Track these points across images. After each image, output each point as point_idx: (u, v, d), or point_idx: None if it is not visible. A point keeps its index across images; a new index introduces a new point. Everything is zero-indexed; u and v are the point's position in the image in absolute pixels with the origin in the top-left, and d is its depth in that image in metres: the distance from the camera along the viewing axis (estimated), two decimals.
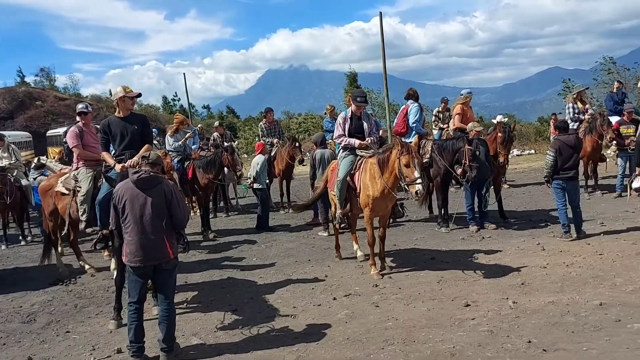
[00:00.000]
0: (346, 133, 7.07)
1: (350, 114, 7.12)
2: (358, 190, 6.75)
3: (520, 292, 5.69)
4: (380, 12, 32.98)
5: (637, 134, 9.77)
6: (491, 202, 9.79)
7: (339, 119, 7.18)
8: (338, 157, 7.29)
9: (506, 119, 14.29)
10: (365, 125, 7.10)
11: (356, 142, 6.93)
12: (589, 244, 7.55)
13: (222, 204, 13.16)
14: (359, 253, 7.68)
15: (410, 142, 6.52)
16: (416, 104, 9.71)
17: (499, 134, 9.36)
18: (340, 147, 7.26)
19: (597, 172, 12.10)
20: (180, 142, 10.34)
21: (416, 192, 5.96)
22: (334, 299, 5.96)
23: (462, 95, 10.41)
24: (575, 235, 7.90)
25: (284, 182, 12.50)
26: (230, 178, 12.45)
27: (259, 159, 10.64)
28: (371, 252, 6.88)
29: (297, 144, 12.04)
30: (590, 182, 11.91)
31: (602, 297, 5.26)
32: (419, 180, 5.97)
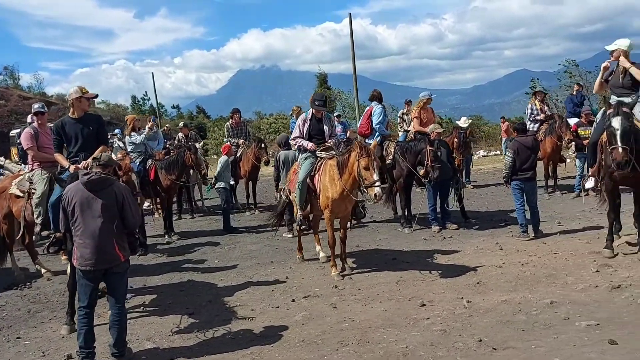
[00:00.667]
0: (304, 135, 7.07)
1: (310, 116, 7.13)
2: (318, 192, 6.76)
3: (475, 291, 5.78)
4: (350, 14, 33.26)
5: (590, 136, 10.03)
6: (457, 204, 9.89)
7: (299, 121, 7.18)
8: (299, 159, 7.29)
9: (470, 122, 14.47)
10: (325, 128, 7.11)
11: (309, 144, 6.94)
12: (545, 243, 7.72)
13: (187, 205, 13.03)
14: (321, 254, 7.69)
15: (370, 144, 6.57)
16: (380, 106, 9.78)
17: (455, 139, 9.50)
18: (295, 148, 7.27)
19: (556, 173, 12.38)
20: (142, 136, 10.14)
21: (375, 194, 6.00)
22: (293, 300, 5.95)
23: (420, 98, 10.52)
24: (533, 235, 8.07)
25: (250, 183, 12.44)
26: (196, 179, 12.34)
27: (222, 159, 10.58)
28: (332, 253, 6.90)
29: (262, 145, 12.01)
30: (550, 183, 12.19)
31: (553, 296, 5.38)
32: (377, 183, 6.00)
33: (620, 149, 5.51)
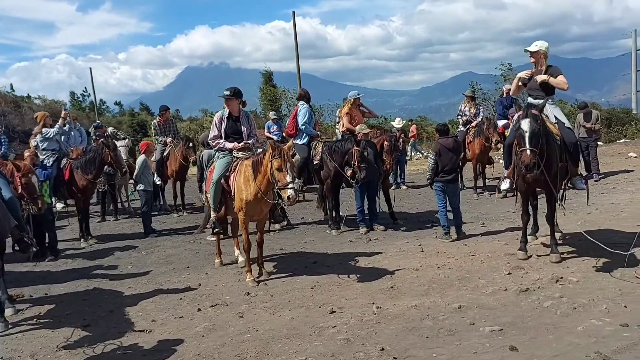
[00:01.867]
0: (222, 135, 6.76)
1: (227, 114, 6.81)
2: (233, 194, 6.47)
3: (388, 296, 5.65)
4: (294, 12, 33.09)
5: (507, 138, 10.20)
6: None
7: (215, 119, 6.84)
8: (214, 158, 6.96)
9: (404, 122, 14.53)
10: (243, 127, 6.82)
11: (230, 145, 6.64)
12: (465, 244, 7.72)
13: (112, 206, 12.44)
14: (240, 259, 7.40)
15: (285, 145, 6.33)
16: (306, 105, 9.59)
17: (385, 142, 9.41)
18: (215, 149, 6.93)
19: (485, 174, 12.56)
20: (55, 129, 9.53)
21: (288, 197, 5.76)
22: (199, 310, 5.64)
23: (349, 96, 10.38)
24: (455, 237, 8.07)
25: (178, 183, 12.00)
26: (120, 179, 11.79)
27: (140, 159, 10.10)
28: (247, 258, 6.62)
29: (190, 144, 11.59)
30: (479, 184, 12.35)
31: (462, 300, 5.31)
32: (291, 185, 5.77)
33: (528, 152, 5.50)
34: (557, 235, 7.46)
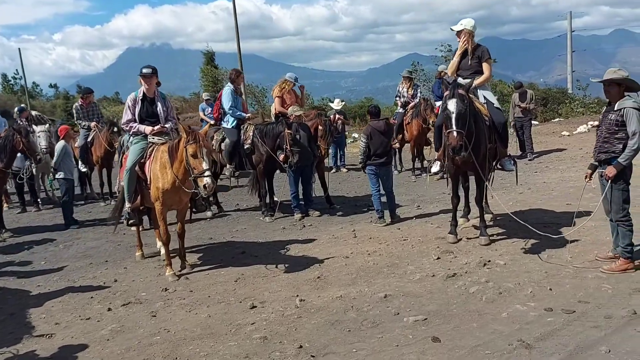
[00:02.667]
0: (136, 118, 6.26)
1: (141, 95, 6.29)
2: (149, 182, 6.01)
3: (314, 287, 5.40)
4: None
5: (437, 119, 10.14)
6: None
7: (128, 102, 6.31)
8: (128, 143, 6.46)
9: (343, 104, 14.25)
10: (159, 108, 6.33)
11: (147, 128, 6.15)
12: (399, 229, 7.58)
13: (32, 197, 11.62)
14: (162, 251, 6.96)
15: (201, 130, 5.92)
16: (229, 87, 9.12)
17: (320, 127, 9.11)
18: (130, 134, 6.42)
19: (423, 155, 12.50)
20: None
21: (205, 185, 5.38)
22: (109, 309, 5.21)
23: (286, 78, 10.00)
24: (389, 220, 7.91)
25: (104, 170, 11.31)
26: (43, 167, 11.02)
27: (59, 145, 9.41)
28: (166, 251, 6.20)
29: (115, 129, 10.90)
30: (417, 165, 12.28)
31: (388, 288, 5.12)
32: (207, 173, 5.38)
33: (455, 133, 5.32)
34: (488, 217, 7.44)
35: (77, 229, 9.12)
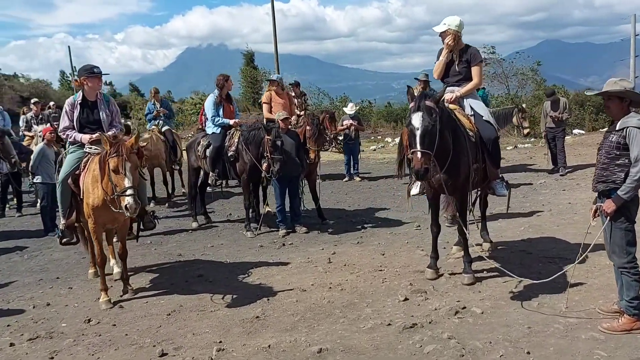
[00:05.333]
0: (75, 125, 5.61)
1: (80, 98, 5.62)
2: (82, 196, 5.34)
3: (246, 330, 4.57)
4: None
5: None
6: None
7: (66, 106, 5.63)
8: (64, 153, 5.82)
9: (357, 108, 13.34)
10: (102, 114, 5.66)
11: (84, 137, 5.47)
12: (383, 254, 6.66)
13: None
14: (116, 269, 6.32)
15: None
16: (213, 94, 8.45)
17: (307, 127, 8.27)
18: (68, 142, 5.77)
19: None
20: None
21: (126, 206, 4.65)
22: (11, 344, 4.56)
23: (272, 80, 9.23)
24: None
25: None
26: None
27: (38, 147, 8.96)
28: (101, 274, 5.51)
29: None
30: None
31: (329, 339, 4.25)
32: (129, 192, 4.65)
33: (419, 154, 4.35)
34: (486, 246, 6.42)
35: (53, 236, 8.64)
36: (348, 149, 12.89)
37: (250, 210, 8.45)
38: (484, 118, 5.37)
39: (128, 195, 4.63)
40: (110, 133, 5.56)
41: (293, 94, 13.46)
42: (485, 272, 5.60)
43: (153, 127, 11.53)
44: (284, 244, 7.60)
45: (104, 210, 5.15)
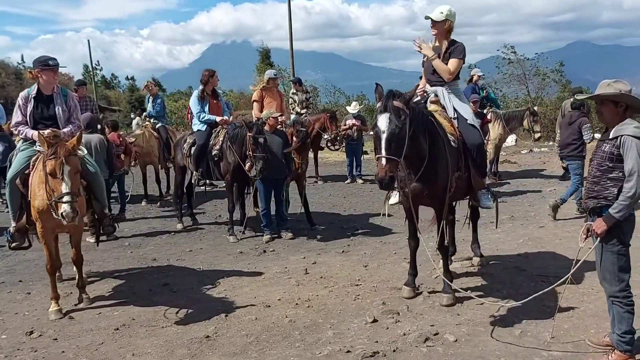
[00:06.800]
0: (28, 120, 5.23)
1: (34, 92, 5.23)
2: (30, 197, 4.95)
3: (191, 353, 4.13)
4: None
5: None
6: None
7: (19, 100, 5.22)
8: (15, 150, 5.46)
9: (360, 107, 12.78)
10: (58, 109, 5.26)
11: (34, 133, 5.08)
12: (365, 266, 6.19)
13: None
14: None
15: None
16: (196, 91, 8.09)
17: (295, 139, 7.78)
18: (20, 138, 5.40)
19: None
20: None
21: (62, 213, 4.25)
22: None
23: (265, 76, 8.78)
24: None
25: None
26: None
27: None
28: (51, 282, 5.11)
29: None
30: None
31: None
32: (66, 198, 4.24)
33: (383, 161, 3.84)
34: (476, 260, 5.88)
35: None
36: (350, 150, 12.39)
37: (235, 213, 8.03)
38: (468, 122, 4.83)
39: (65, 202, 4.23)
40: (65, 130, 5.18)
41: (294, 91, 13.05)
42: (469, 290, 5.06)
43: (147, 123, 11.22)
44: (264, 251, 7.17)
45: (50, 214, 4.74)
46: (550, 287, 4.19)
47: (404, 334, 4.22)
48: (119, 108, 48.24)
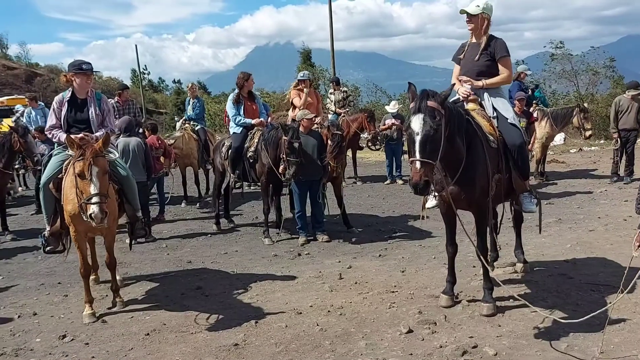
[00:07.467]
0: (62, 123, 5.26)
1: (69, 96, 5.27)
2: (63, 201, 4.98)
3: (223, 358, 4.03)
4: None
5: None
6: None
7: (54, 103, 5.27)
8: (46, 155, 5.51)
9: (399, 107, 12.48)
10: (91, 112, 5.28)
11: (62, 136, 5.10)
12: (402, 271, 5.97)
13: None
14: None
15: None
16: (232, 94, 8.10)
17: (329, 142, 7.62)
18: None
19: None
20: None
21: (91, 215, 4.24)
22: None
23: (298, 78, 8.65)
24: None
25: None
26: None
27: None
28: (85, 286, 5.14)
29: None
30: None
31: None
32: (94, 199, 4.23)
33: (417, 164, 3.63)
34: (519, 267, 5.58)
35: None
36: (390, 150, 12.15)
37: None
38: (508, 121, 4.55)
39: (93, 204, 4.22)
40: (97, 134, 5.19)
41: (331, 91, 12.88)
42: (511, 300, 4.77)
43: (186, 126, 11.31)
44: (299, 254, 7.05)
45: (80, 218, 4.74)
46: (608, 306, 3.85)
47: (441, 346, 3.99)
48: (165, 111, 49.35)
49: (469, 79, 4.59)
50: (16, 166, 9.74)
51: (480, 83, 4.59)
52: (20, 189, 13.05)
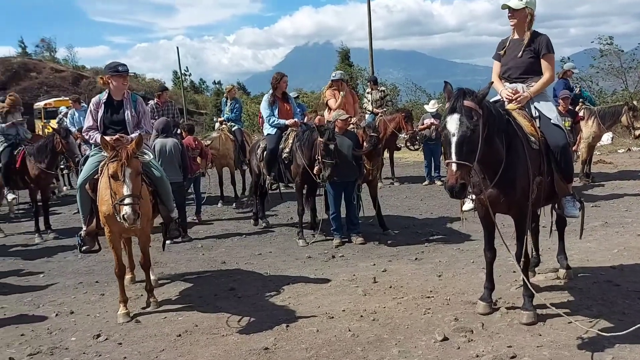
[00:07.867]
0: (99, 125, 5.33)
1: (105, 97, 5.33)
2: (98, 202, 5.04)
3: None
4: None
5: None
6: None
7: (91, 105, 5.36)
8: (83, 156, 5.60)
9: (439, 106, 12.21)
10: (127, 114, 5.33)
11: (98, 137, 5.14)
12: (439, 275, 5.79)
13: None
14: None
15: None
16: (267, 94, 8.07)
17: (365, 144, 7.50)
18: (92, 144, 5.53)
19: None
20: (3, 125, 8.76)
21: (123, 215, 4.26)
22: (11, 359, 4.35)
23: (332, 78, 8.55)
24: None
25: None
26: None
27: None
28: (120, 286, 5.19)
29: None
30: None
31: None
32: (127, 200, 4.26)
33: (454, 167, 3.48)
34: (562, 273, 5.33)
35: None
36: (428, 150, 11.94)
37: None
38: (551, 121, 4.33)
39: (126, 204, 4.24)
40: (133, 135, 5.23)
41: (369, 90, 12.73)
42: (554, 307, 4.55)
43: (223, 126, 11.39)
44: (333, 256, 6.96)
45: (115, 219, 4.79)
46: None
47: (477, 356, 3.83)
48: (205, 111, 50.10)
49: (516, 99, 4.40)
50: (61, 166, 10.01)
51: (526, 94, 4.39)
52: (65, 188, 13.46)
